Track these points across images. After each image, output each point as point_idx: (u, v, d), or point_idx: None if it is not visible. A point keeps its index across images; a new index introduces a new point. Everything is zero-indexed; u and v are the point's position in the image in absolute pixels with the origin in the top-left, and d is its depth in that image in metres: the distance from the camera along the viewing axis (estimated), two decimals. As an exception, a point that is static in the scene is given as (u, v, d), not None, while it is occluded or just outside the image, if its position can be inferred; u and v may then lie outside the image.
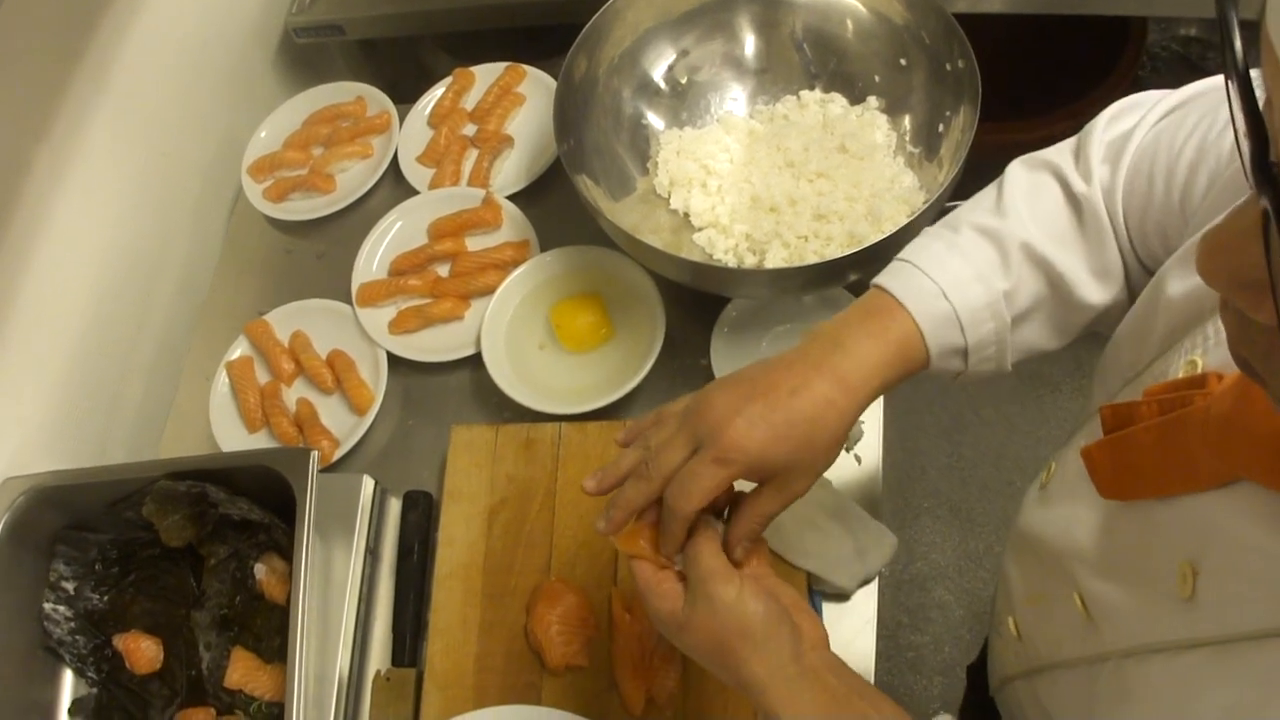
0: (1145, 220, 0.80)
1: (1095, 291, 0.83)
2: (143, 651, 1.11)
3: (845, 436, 0.79)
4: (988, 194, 0.87)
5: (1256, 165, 0.35)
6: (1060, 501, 0.77)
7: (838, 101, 1.29)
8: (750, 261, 1.19)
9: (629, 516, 0.81)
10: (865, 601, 1.08)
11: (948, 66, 1.17)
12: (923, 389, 2.20)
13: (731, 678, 0.76)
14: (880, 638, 1.07)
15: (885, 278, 0.83)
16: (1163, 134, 0.80)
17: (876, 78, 1.28)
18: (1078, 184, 0.83)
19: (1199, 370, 0.63)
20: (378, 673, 1.10)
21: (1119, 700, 0.64)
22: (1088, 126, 0.85)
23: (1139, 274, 0.84)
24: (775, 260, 1.17)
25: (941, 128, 1.20)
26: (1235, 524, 0.56)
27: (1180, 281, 0.68)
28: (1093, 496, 0.69)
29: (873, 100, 1.28)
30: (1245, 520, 0.56)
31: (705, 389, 0.80)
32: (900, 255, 0.85)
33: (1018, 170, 0.87)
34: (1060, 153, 0.86)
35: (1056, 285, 0.83)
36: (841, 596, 1.07)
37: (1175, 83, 0.82)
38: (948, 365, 0.83)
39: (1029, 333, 0.85)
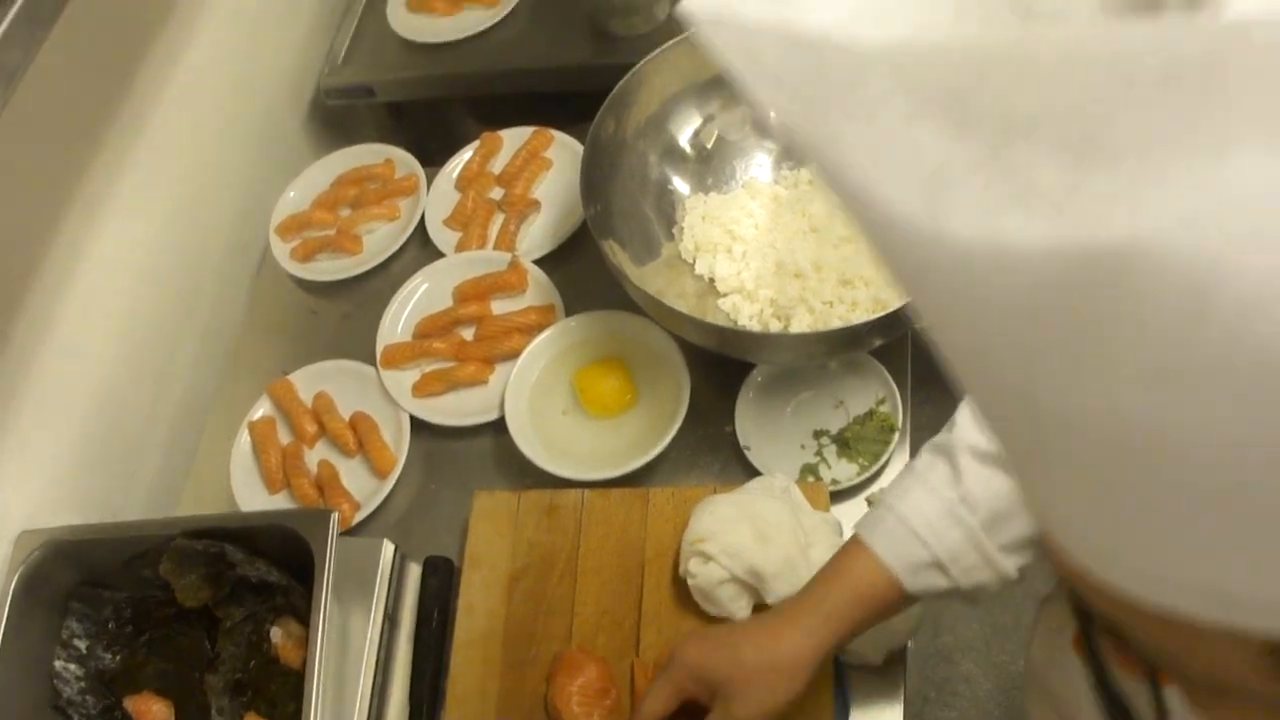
0: None
1: None
2: (154, 714, 1.09)
3: (786, 666, 0.86)
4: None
5: None
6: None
7: (864, 168, 1.29)
8: (775, 327, 1.18)
9: None
10: (893, 674, 1.06)
11: (976, 134, 1.17)
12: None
13: None
14: (907, 714, 1.05)
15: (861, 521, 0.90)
16: None
17: (904, 145, 1.28)
18: None
19: None
20: (393, 741, 1.09)
21: None
22: None
23: None
24: (800, 326, 1.16)
25: (969, 195, 1.20)
26: None
27: None
28: None
29: (900, 167, 1.27)
30: None
31: None
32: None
33: None
34: None
35: None
36: (868, 668, 1.05)
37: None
38: (928, 583, 0.84)
39: (1020, 526, 0.82)
